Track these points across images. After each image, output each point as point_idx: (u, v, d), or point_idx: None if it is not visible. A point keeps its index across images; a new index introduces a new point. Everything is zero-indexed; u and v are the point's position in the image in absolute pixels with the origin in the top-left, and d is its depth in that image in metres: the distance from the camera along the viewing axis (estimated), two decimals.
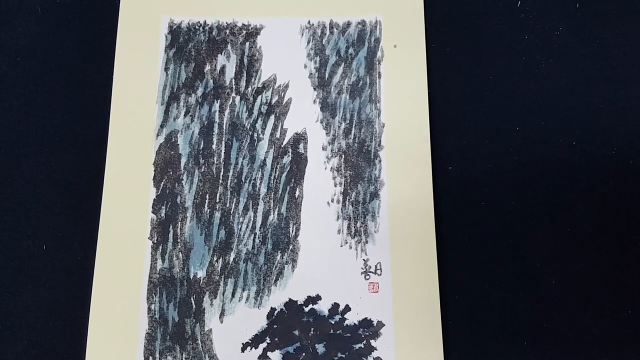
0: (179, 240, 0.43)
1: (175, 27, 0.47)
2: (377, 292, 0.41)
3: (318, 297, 0.41)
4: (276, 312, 0.41)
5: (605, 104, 0.45)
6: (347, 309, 0.41)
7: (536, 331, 0.41)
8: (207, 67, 0.46)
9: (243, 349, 0.40)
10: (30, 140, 0.45)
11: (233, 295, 0.42)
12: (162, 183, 0.44)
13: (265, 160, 0.45)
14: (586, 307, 0.41)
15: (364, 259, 0.42)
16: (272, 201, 0.44)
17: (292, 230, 0.43)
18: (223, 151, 0.45)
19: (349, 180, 0.44)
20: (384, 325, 0.41)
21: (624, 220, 0.43)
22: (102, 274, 0.41)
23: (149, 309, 0.41)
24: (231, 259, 0.42)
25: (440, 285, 0.41)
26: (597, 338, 0.41)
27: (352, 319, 0.41)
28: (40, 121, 0.45)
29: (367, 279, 0.42)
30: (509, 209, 0.43)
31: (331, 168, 0.44)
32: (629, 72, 0.46)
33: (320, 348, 0.40)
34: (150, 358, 0.40)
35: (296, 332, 0.41)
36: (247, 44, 0.47)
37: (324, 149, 0.45)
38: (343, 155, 0.44)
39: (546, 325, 0.41)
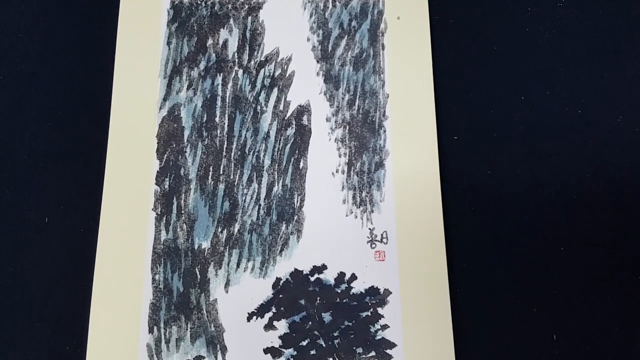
0: (182, 211, 0.42)
1: (177, 2, 0.47)
2: (383, 260, 0.41)
3: (324, 267, 0.41)
4: (282, 281, 0.41)
5: (610, 73, 0.45)
6: (353, 277, 0.41)
7: (545, 297, 0.40)
8: (210, 41, 0.46)
9: (249, 319, 0.40)
10: (32, 113, 0.45)
11: (238, 265, 0.41)
12: (166, 155, 0.44)
13: (269, 132, 0.44)
14: (595, 272, 0.41)
15: (369, 228, 0.42)
16: (276, 173, 0.43)
17: (297, 201, 0.43)
18: (226, 124, 0.44)
19: (353, 151, 0.44)
20: (390, 292, 0.40)
21: (631, 185, 0.42)
22: (105, 245, 0.41)
23: (153, 279, 0.41)
24: (236, 230, 0.42)
25: (447, 252, 0.41)
26: (607, 303, 0.40)
27: (358, 287, 0.41)
28: (42, 95, 0.45)
29: (373, 248, 0.41)
30: (514, 177, 0.43)
31: (335, 139, 0.44)
32: (632, 42, 0.46)
33: (326, 317, 0.40)
34: (155, 328, 0.40)
35: (302, 302, 0.40)
36: (250, 18, 0.47)
37: (327, 120, 0.44)
38: (347, 126, 0.44)
39: (555, 291, 0.40)
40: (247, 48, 0.46)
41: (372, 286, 0.40)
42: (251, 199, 0.43)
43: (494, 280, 0.41)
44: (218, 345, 0.39)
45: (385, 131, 0.44)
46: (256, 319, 0.40)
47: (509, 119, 0.44)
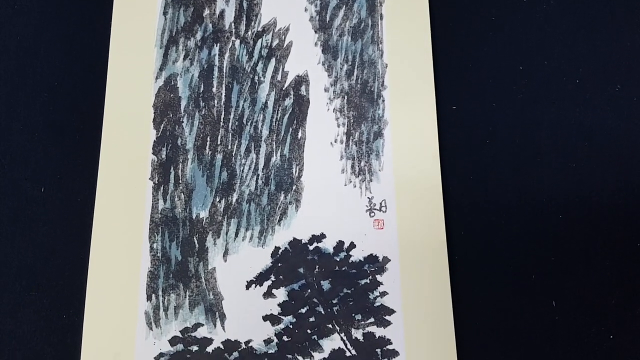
0: (180, 181, 0.42)
1: None
2: (382, 228, 0.41)
3: (322, 236, 0.41)
4: (280, 250, 0.41)
5: (608, 43, 0.45)
6: (352, 246, 0.41)
7: (544, 264, 0.40)
8: (206, 12, 0.46)
9: (247, 287, 0.40)
10: (28, 84, 0.44)
11: (236, 235, 0.41)
12: (162, 125, 0.43)
13: (266, 102, 0.44)
14: (594, 239, 0.41)
15: (368, 197, 0.42)
16: (274, 143, 0.43)
17: (295, 171, 0.42)
18: (224, 94, 0.44)
19: (352, 121, 0.43)
20: (389, 260, 0.40)
21: (628, 154, 0.42)
22: (103, 214, 0.41)
23: (151, 248, 0.40)
24: (234, 200, 0.42)
25: (445, 220, 0.41)
26: (606, 269, 0.40)
27: (357, 255, 0.40)
28: (38, 65, 0.45)
29: (372, 216, 0.41)
30: (513, 146, 0.43)
31: (334, 109, 0.44)
32: (629, 12, 0.46)
33: (325, 284, 0.40)
34: (153, 295, 0.39)
35: (301, 270, 0.40)
36: None
37: (326, 90, 0.44)
38: (346, 96, 0.44)
39: (554, 258, 0.40)
40: (244, 18, 0.46)
41: (371, 254, 0.40)
42: (249, 169, 0.43)
43: (492, 247, 0.41)
44: (217, 313, 0.39)
45: (384, 101, 0.44)
46: (255, 287, 0.40)
47: (508, 89, 0.44)
